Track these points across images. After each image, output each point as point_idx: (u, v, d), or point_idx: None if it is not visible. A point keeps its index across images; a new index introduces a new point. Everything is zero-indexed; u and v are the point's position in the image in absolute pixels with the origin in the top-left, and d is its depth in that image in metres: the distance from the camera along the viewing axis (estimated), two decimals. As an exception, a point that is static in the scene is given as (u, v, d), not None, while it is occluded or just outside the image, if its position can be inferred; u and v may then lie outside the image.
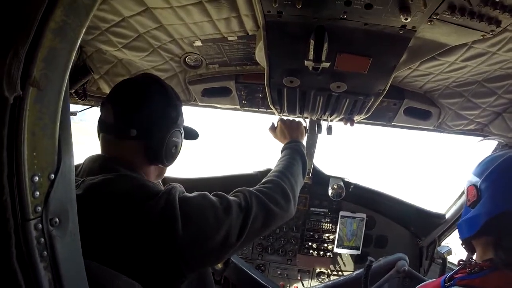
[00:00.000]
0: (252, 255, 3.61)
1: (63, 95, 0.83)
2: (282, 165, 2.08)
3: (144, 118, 1.63)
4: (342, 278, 3.04)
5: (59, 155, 0.86)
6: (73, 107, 2.64)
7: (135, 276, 1.26)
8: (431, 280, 1.91)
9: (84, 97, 2.54)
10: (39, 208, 0.82)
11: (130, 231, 1.36)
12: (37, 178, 0.81)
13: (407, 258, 2.74)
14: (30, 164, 0.79)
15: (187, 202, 1.48)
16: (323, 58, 1.71)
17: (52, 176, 0.85)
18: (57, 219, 0.86)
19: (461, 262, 1.73)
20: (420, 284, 1.94)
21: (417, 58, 1.97)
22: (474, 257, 1.74)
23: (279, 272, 3.64)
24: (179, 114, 1.76)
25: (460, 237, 1.79)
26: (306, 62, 1.76)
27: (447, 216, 3.45)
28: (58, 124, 0.84)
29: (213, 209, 1.52)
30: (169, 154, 1.73)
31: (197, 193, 1.57)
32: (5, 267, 0.78)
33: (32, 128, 0.77)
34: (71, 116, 2.54)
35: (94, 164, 1.60)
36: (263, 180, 1.92)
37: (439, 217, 3.54)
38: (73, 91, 2.43)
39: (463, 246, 1.80)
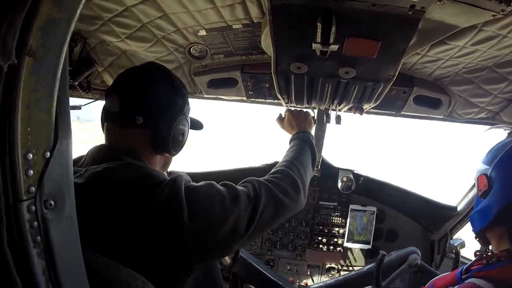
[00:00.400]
0: (261, 251, 3.59)
1: (61, 67, 0.79)
2: (291, 155, 2.05)
3: (150, 106, 1.61)
4: (353, 273, 3.03)
5: (56, 132, 0.82)
6: (77, 101, 2.64)
7: (139, 268, 1.23)
8: (446, 273, 1.89)
9: (88, 89, 2.53)
10: (33, 188, 0.78)
11: (134, 221, 1.34)
12: (31, 155, 0.77)
13: (419, 252, 2.71)
14: (24, 140, 0.75)
15: (193, 191, 1.46)
16: (331, 40, 1.68)
17: (48, 154, 0.80)
18: (52, 202, 0.82)
19: (478, 253, 1.71)
20: (436, 277, 1.92)
21: (426, 41, 1.93)
22: (490, 247, 1.72)
23: (288, 268, 3.62)
24: (185, 102, 1.74)
25: (473, 230, 1.77)
26: (314, 45, 1.73)
27: (458, 208, 3.41)
28: (55, 98, 0.80)
29: (221, 199, 1.49)
30: (176, 143, 1.70)
31: (204, 182, 1.54)
32: None
33: (27, 101, 0.73)
34: (75, 110, 2.53)
35: (98, 154, 1.58)
36: (272, 170, 1.89)
37: (450, 210, 3.49)
38: (77, 83, 2.42)
39: (477, 239, 1.79)
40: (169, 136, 1.65)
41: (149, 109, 1.60)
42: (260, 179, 1.72)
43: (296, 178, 1.84)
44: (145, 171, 1.50)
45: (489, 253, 1.64)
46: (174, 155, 1.78)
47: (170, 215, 1.36)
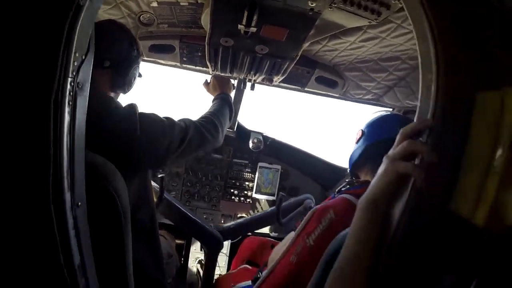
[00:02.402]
0: (181, 201, 3.80)
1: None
2: (214, 108, 2.59)
3: (116, 52, 2.01)
4: (259, 213, 3.52)
5: (89, 44, 1.23)
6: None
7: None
8: None
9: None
10: (74, 72, 1.13)
11: (102, 130, 1.75)
12: (77, 54, 1.13)
13: (313, 198, 3.19)
14: (78, 43, 1.13)
15: (144, 114, 1.95)
16: (253, 24, 2.09)
17: (84, 56, 1.19)
18: (81, 85, 1.18)
19: (346, 180, 2.10)
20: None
21: (322, 33, 2.37)
22: None
23: (205, 217, 3.96)
24: (139, 53, 2.15)
25: (349, 170, 2.22)
26: (239, 26, 2.13)
27: None
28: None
29: (162, 123, 2.03)
30: (130, 84, 2.16)
31: (151, 112, 2.04)
32: (44, 107, 1.07)
33: (87, 25, 1.16)
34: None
35: None
36: (200, 116, 2.40)
37: (344, 171, 3.98)
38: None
39: (352, 177, 2.19)
40: (126, 78, 2.09)
41: (115, 55, 1.99)
42: (191, 119, 2.23)
43: (217, 122, 2.38)
44: (109, 98, 1.97)
45: (355, 181, 2.06)
46: (125, 93, 2.21)
47: (127, 128, 1.86)
